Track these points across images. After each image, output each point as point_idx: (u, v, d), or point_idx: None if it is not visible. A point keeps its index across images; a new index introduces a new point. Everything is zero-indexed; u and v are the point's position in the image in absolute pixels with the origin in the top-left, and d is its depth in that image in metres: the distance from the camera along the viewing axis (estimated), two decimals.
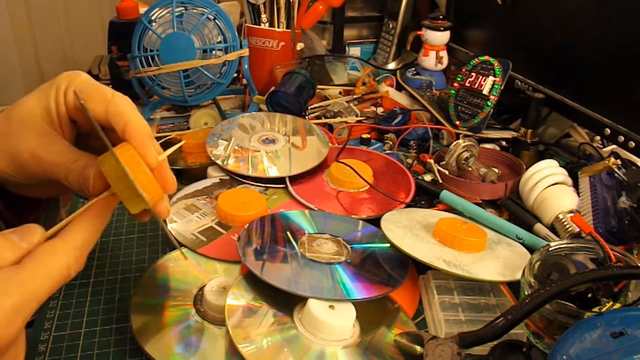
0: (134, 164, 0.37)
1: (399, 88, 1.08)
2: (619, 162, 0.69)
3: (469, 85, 0.89)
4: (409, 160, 0.85)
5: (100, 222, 0.38)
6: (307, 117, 0.93)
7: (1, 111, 0.42)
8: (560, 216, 0.66)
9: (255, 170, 0.74)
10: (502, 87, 0.85)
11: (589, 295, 0.49)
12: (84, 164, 0.39)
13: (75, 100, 0.41)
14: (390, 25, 1.15)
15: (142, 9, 1.02)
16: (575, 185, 0.71)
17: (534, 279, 0.51)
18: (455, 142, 0.78)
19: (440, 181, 0.77)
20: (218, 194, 0.69)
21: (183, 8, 0.90)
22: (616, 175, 0.67)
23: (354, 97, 1.02)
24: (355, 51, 1.21)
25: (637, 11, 0.69)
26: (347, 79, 1.12)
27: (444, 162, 0.79)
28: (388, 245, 0.60)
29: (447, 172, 0.77)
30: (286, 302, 0.52)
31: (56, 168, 0.40)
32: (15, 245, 0.34)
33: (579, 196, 0.69)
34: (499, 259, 0.59)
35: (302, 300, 0.51)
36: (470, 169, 0.78)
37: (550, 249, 0.55)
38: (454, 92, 0.91)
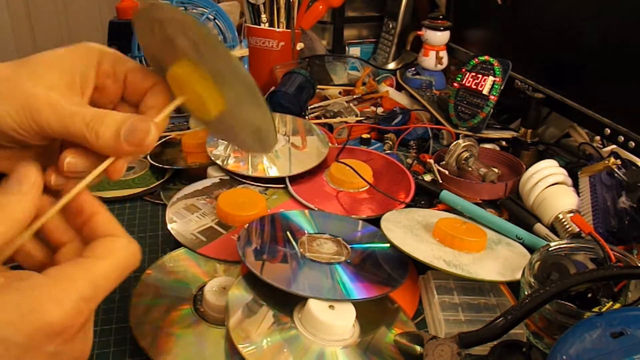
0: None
1: (399, 88, 1.08)
2: (619, 162, 0.69)
3: (468, 85, 0.89)
4: (409, 160, 0.84)
5: None
6: (307, 117, 0.93)
7: None
8: (560, 216, 0.66)
9: (255, 170, 0.74)
10: (502, 87, 0.85)
11: (589, 295, 0.49)
12: (108, 113, 0.36)
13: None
14: (390, 25, 1.15)
15: None
16: (575, 185, 0.71)
17: (533, 279, 0.51)
18: (455, 142, 0.78)
19: (440, 181, 0.77)
20: (218, 194, 0.69)
21: (183, 8, 0.90)
22: (616, 175, 0.67)
23: (354, 97, 1.01)
24: (355, 51, 1.21)
25: (637, 11, 0.69)
26: (347, 79, 1.12)
27: (443, 162, 0.79)
28: (388, 245, 0.59)
29: (447, 172, 0.77)
30: (286, 302, 0.52)
31: (77, 117, 0.36)
32: (20, 196, 0.34)
33: (578, 196, 0.69)
34: (498, 259, 0.59)
35: (302, 300, 0.51)
36: (470, 169, 0.77)
37: (550, 249, 0.55)
38: (453, 92, 0.91)
